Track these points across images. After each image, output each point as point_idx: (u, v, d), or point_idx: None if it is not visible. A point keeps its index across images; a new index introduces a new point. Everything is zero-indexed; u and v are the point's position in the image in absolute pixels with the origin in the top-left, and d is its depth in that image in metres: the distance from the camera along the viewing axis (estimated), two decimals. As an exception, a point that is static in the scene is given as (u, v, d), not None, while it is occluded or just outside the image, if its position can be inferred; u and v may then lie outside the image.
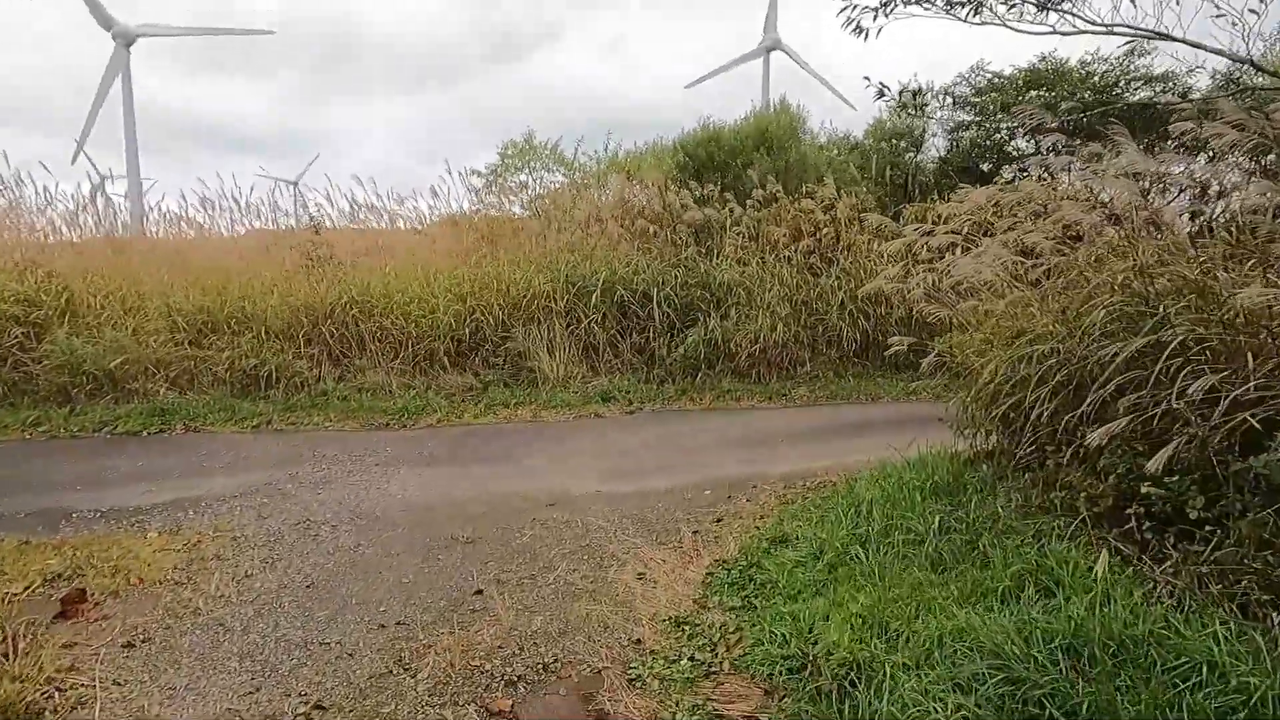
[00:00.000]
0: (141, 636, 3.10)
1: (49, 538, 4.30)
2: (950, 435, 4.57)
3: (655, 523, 4.56)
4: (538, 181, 11.59)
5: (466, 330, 8.41)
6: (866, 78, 4.22)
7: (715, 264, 9.15)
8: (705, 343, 8.54)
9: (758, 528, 4.40)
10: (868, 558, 3.45)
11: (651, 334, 8.74)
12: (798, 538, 4.06)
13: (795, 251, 9.29)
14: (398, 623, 3.29)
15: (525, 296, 8.67)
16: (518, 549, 4.13)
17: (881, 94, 4.30)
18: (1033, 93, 10.81)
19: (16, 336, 7.55)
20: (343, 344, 8.23)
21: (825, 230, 9.46)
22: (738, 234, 9.52)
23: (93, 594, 3.41)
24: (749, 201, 9.83)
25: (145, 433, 6.86)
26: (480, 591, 3.59)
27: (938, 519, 3.57)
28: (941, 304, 4.53)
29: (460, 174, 10.30)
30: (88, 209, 9.81)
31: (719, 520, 4.58)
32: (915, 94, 4.14)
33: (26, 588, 3.49)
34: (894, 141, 12.82)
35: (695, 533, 4.37)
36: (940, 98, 11.31)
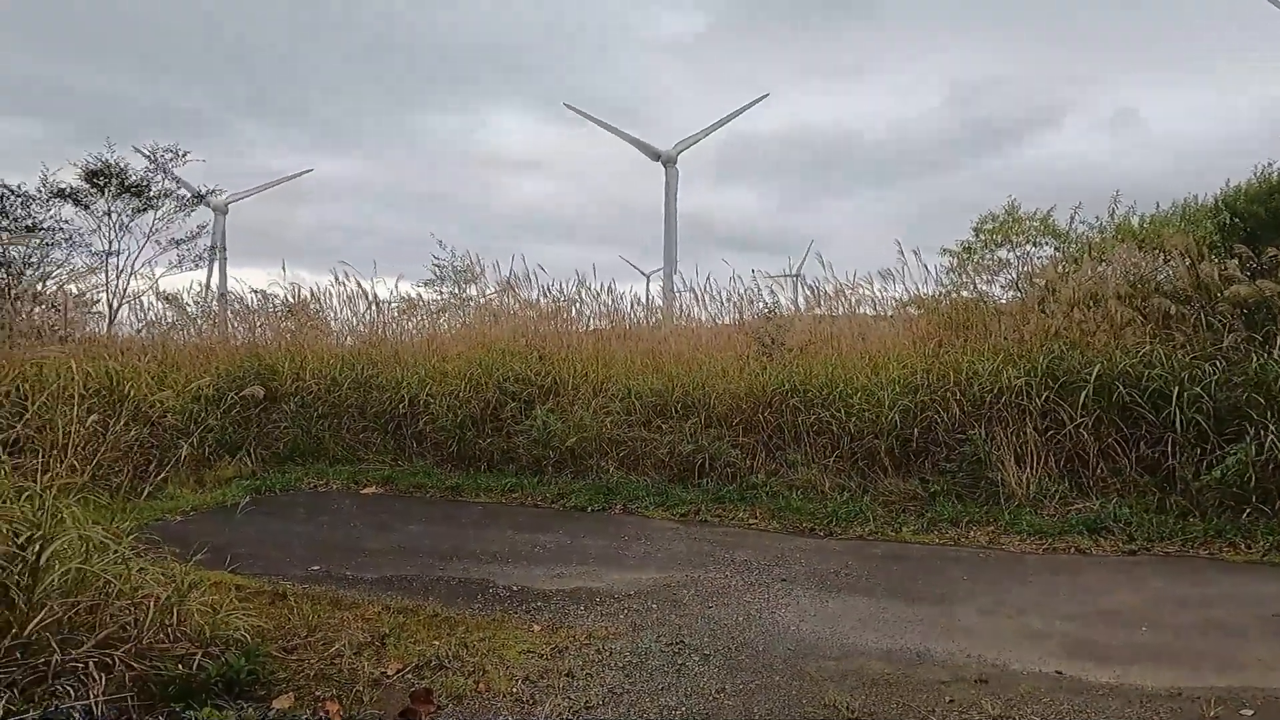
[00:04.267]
0: (448, 766, 2.80)
1: (457, 611, 4.46)
2: None
3: (1144, 753, 2.97)
4: (1021, 258, 9.95)
5: (915, 429, 7.28)
6: None
7: (1277, 356, 6.56)
8: (1257, 465, 6.06)
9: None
10: None
11: (1170, 447, 6.54)
12: None
13: None
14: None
15: (991, 392, 7.23)
16: (914, 749, 2.99)
17: None
18: None
19: (511, 411, 8.68)
20: (779, 435, 7.77)
21: None
22: (1317, 314, 6.75)
23: (438, 695, 3.27)
24: (1338, 269, 6.96)
25: (590, 509, 7.18)
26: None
27: None
28: None
29: (915, 253, 9.18)
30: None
31: (1266, 777, 2.79)
32: None
33: (399, 669, 3.53)
34: None
35: (1216, 792, 2.70)
36: None
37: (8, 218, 14.54)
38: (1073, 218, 10.04)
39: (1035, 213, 10.98)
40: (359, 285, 11.20)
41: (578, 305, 10.94)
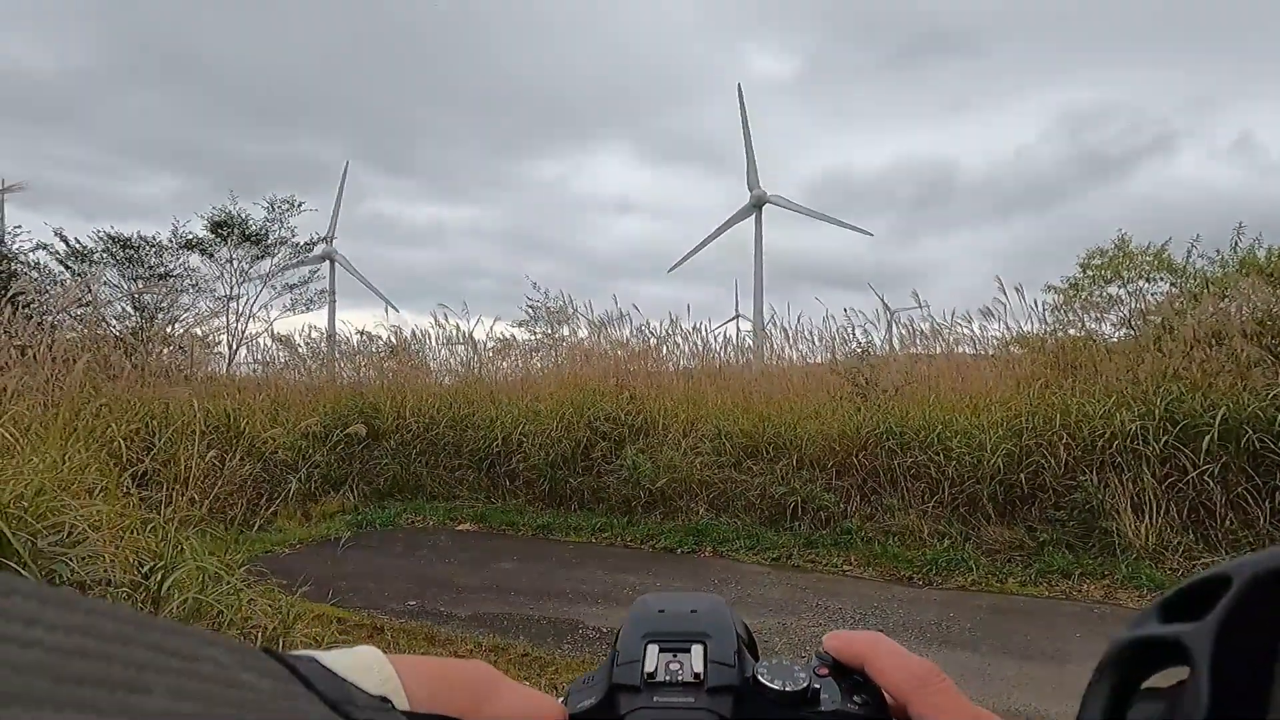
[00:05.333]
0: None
1: (547, 651, 4.48)
2: None
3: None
4: (1134, 294, 9.43)
5: (1020, 474, 6.94)
6: None
7: None
8: None
9: None
10: None
11: (1309, 498, 6.03)
12: None
13: None
14: None
15: (1103, 436, 6.85)
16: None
17: None
18: None
19: (602, 450, 8.74)
20: (874, 478, 7.54)
21: None
22: None
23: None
24: None
25: (679, 551, 7.13)
26: None
27: None
28: None
29: (1018, 289, 8.86)
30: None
31: None
32: None
33: (490, 709, 3.55)
34: None
35: None
36: None
37: (143, 266, 15.80)
38: (1190, 251, 9.44)
39: (1148, 247, 10.39)
40: (457, 327, 11.59)
41: (668, 345, 11.00)
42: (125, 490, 4.43)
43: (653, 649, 0.43)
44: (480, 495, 9.07)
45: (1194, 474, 6.36)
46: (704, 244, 32.34)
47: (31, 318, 6.09)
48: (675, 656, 0.42)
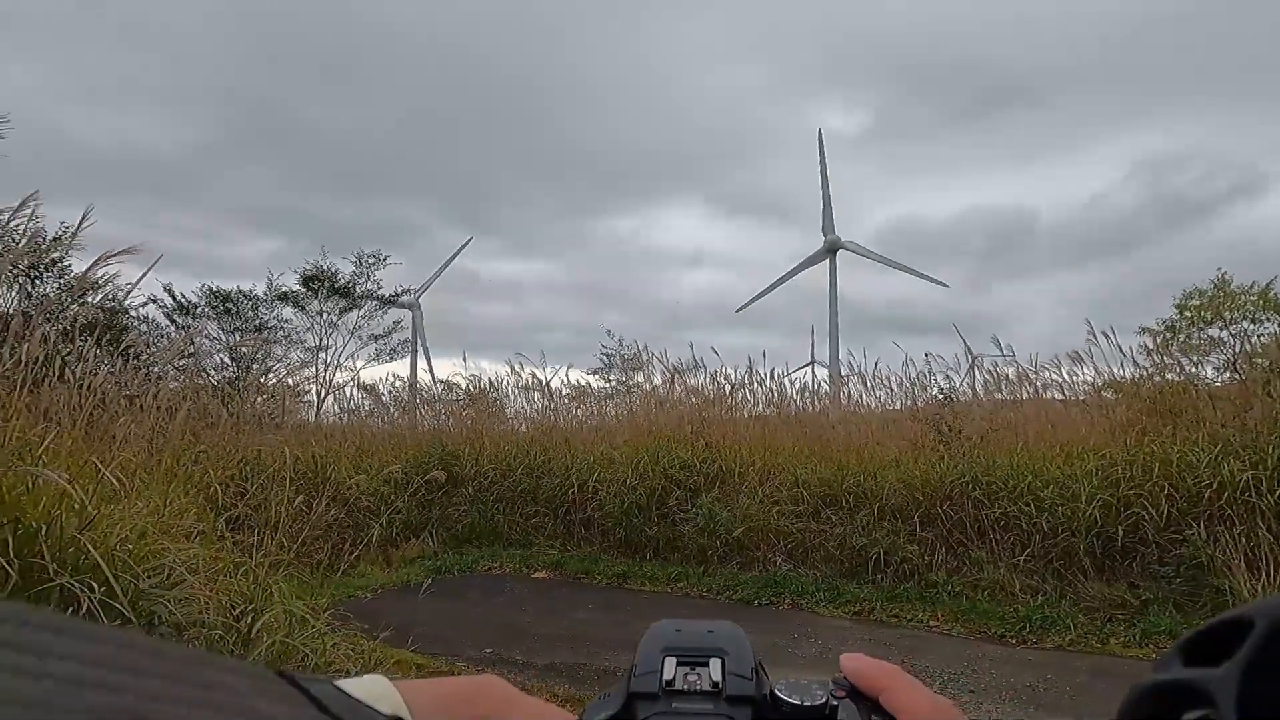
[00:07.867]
0: None
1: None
2: None
3: None
4: (1237, 336, 8.91)
5: (1119, 527, 6.57)
6: None
7: None
8: None
9: None
10: None
11: None
12: None
13: None
14: None
15: (1210, 486, 6.44)
16: None
17: None
18: None
19: (677, 498, 8.67)
20: (960, 530, 7.25)
21: None
22: None
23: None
24: None
25: (756, 603, 6.98)
26: None
27: None
28: None
29: (1107, 334, 8.44)
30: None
31: None
32: None
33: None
34: None
35: None
36: None
37: (241, 318, 16.67)
38: (1299, 290, 8.88)
39: (1251, 286, 9.82)
40: (533, 375, 11.78)
41: (744, 391, 10.90)
42: (220, 534, 4.62)
43: (670, 661, 0.43)
44: (556, 543, 9.09)
45: (1316, 528, 5.91)
46: (775, 285, 32.04)
47: (140, 369, 6.47)
48: (693, 669, 0.42)
